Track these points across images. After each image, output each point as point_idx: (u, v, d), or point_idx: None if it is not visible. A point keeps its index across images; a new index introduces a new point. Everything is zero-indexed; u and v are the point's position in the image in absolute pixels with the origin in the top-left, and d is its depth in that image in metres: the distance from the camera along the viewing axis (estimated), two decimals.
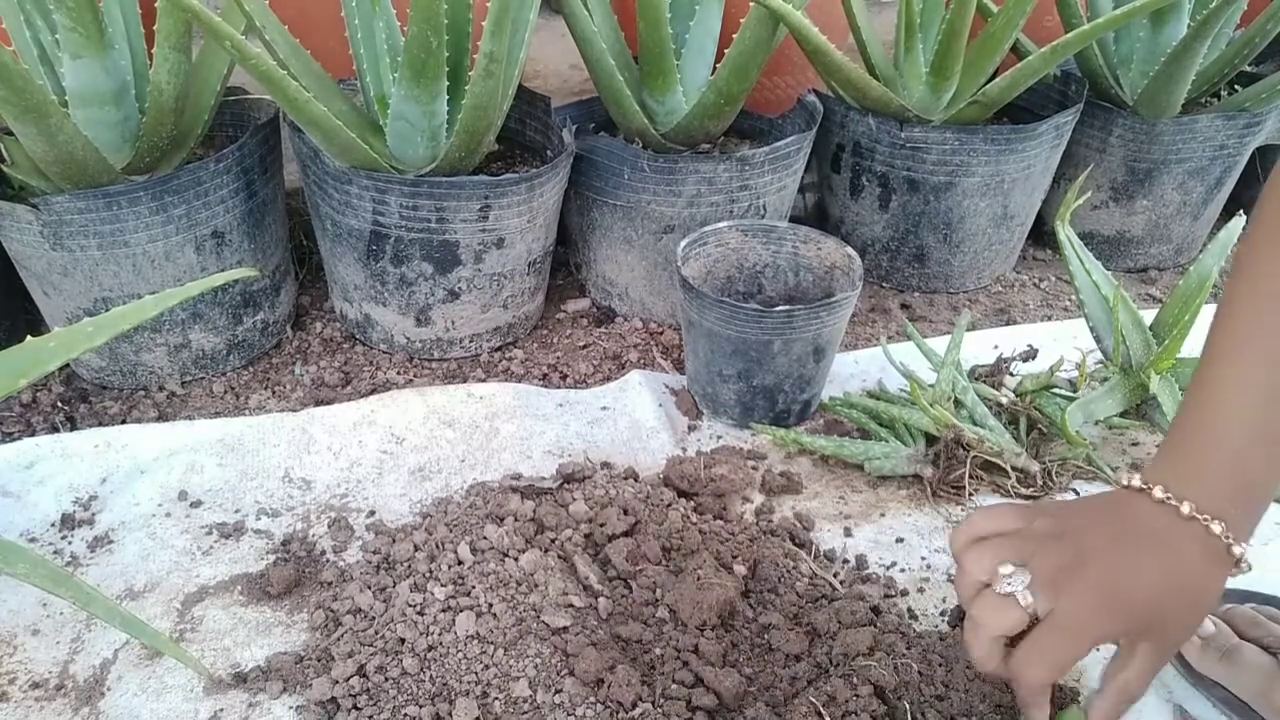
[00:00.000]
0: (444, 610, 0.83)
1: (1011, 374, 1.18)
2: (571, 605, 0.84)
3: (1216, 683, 0.81)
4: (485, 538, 0.90)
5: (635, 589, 0.88)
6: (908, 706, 0.77)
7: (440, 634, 0.81)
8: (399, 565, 0.90)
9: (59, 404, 1.18)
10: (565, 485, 1.01)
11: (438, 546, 0.91)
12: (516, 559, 0.88)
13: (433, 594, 0.85)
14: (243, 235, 1.19)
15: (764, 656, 0.83)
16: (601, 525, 0.94)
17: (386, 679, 0.79)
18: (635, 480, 1.04)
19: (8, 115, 0.96)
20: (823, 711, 0.75)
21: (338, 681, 0.78)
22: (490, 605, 0.83)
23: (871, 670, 0.78)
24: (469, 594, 0.84)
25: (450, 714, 0.75)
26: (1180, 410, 0.62)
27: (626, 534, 0.94)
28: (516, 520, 0.93)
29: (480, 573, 0.86)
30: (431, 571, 0.87)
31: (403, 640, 0.81)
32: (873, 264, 1.52)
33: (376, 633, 0.83)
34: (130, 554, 0.94)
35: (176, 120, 1.12)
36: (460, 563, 0.88)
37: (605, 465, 1.07)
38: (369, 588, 0.87)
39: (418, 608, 0.84)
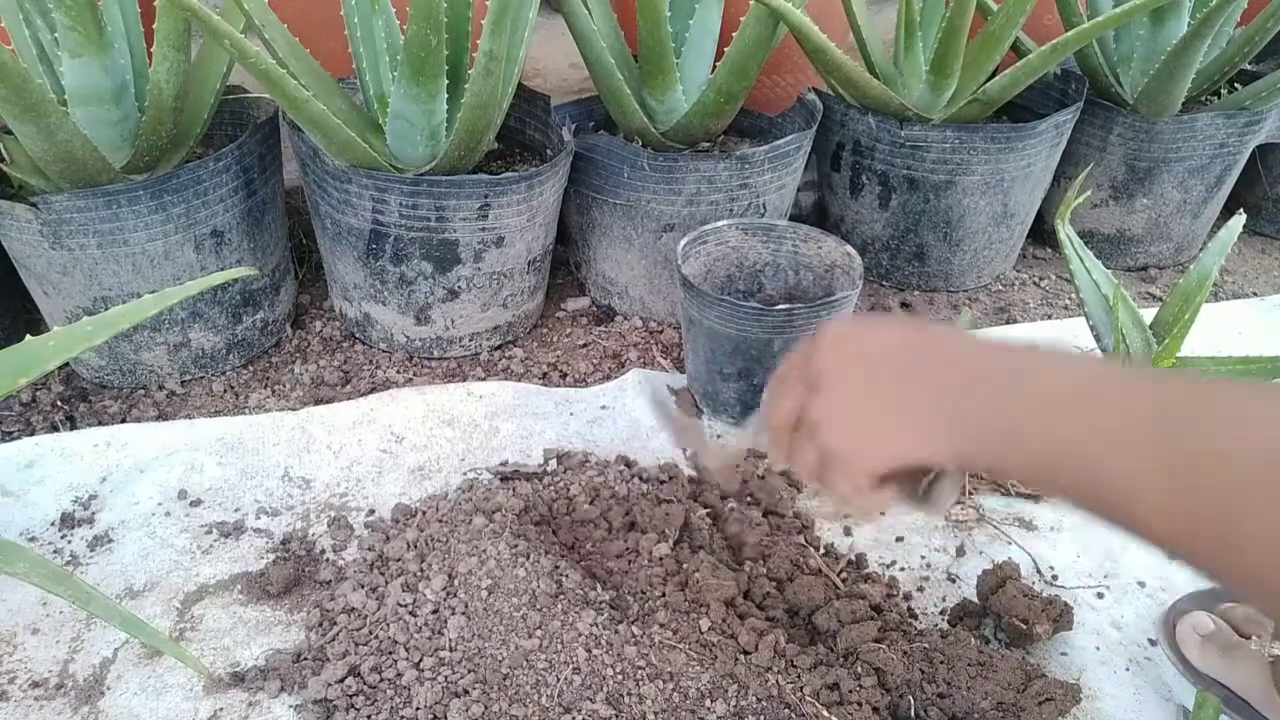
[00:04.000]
0: (434, 611, 0.83)
1: None
2: (564, 598, 0.84)
3: (1218, 681, 0.81)
4: (474, 533, 0.90)
5: (635, 585, 0.88)
6: (911, 703, 0.77)
7: (432, 634, 0.81)
8: (392, 563, 0.90)
9: (59, 403, 1.18)
10: (558, 471, 1.02)
11: (428, 544, 0.90)
12: (507, 554, 0.87)
13: (424, 594, 0.84)
14: (242, 234, 1.18)
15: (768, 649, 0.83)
16: (601, 517, 0.94)
17: (382, 679, 0.79)
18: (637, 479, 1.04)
19: (7, 114, 0.96)
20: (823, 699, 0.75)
21: (330, 684, 0.78)
22: (481, 603, 0.83)
23: (880, 654, 0.78)
24: (457, 594, 0.84)
25: (446, 714, 0.75)
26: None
27: (626, 529, 0.94)
28: (504, 514, 0.93)
29: (468, 569, 0.85)
30: (423, 570, 0.87)
31: (395, 640, 0.81)
32: (873, 262, 1.52)
33: (370, 632, 0.83)
34: (130, 553, 0.94)
35: (176, 119, 1.12)
36: (450, 559, 0.88)
37: (605, 464, 1.07)
38: (362, 586, 0.87)
39: (409, 607, 0.84)
